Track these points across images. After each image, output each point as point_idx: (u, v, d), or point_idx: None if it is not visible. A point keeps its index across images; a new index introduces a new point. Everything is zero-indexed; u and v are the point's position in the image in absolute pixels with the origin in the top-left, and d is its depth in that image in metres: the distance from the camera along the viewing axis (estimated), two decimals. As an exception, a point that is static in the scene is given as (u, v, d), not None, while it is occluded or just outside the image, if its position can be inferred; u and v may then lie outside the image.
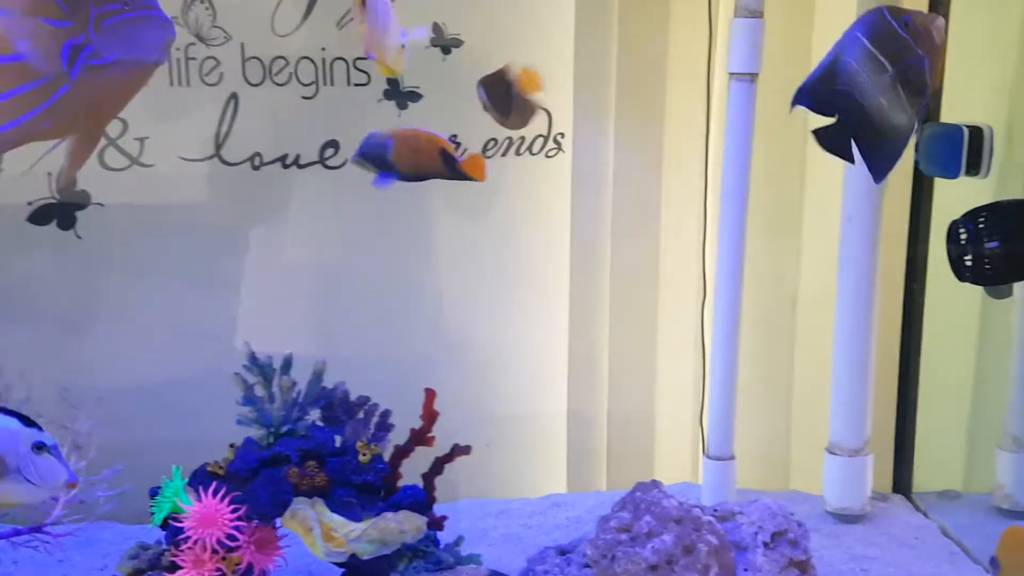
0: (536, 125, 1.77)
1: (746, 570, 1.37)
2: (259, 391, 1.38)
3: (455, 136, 1.75)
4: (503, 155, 1.78)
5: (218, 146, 1.70)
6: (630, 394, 1.87)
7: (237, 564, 1.33)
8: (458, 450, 1.44)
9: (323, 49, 1.70)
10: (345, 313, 1.80)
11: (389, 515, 1.32)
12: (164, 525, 1.34)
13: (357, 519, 1.33)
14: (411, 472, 1.43)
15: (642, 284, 1.85)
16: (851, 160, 1.17)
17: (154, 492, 1.34)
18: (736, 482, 1.71)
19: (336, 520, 1.33)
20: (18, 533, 1.35)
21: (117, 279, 1.71)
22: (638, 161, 1.82)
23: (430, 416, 1.43)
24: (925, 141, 1.63)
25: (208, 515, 1.30)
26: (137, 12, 1.12)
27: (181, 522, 1.29)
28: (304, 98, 1.71)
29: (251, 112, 1.69)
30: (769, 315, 1.84)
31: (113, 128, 1.64)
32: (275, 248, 1.77)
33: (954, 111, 1.68)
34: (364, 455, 1.38)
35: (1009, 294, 1.63)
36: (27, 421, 1.11)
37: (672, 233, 1.85)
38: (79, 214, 1.66)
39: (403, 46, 1.33)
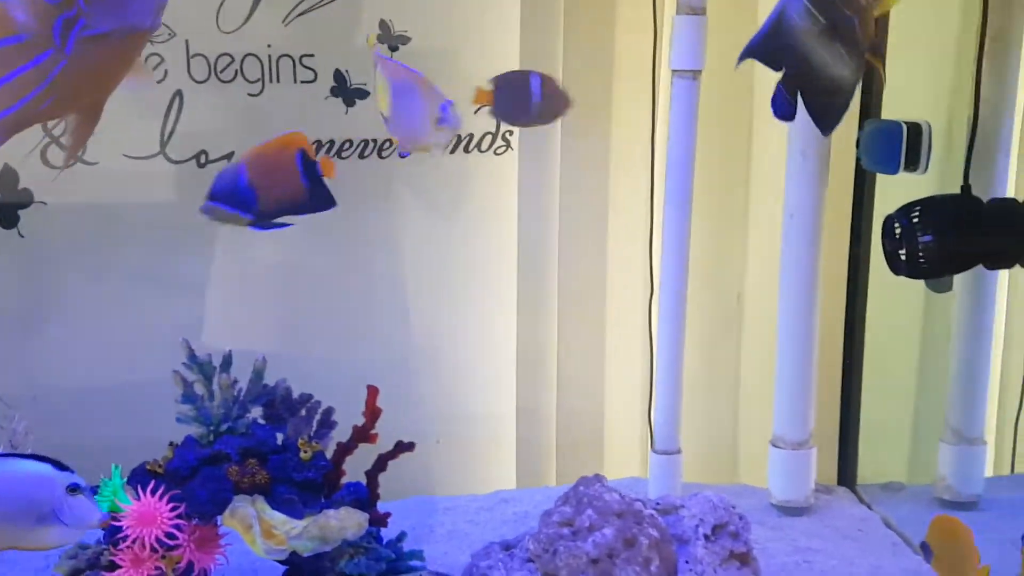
0: (484, 123, 1.78)
1: (687, 562, 1.38)
2: (199, 389, 1.38)
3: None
4: (451, 152, 1.78)
5: (163, 144, 1.69)
6: (579, 391, 1.89)
7: (177, 563, 1.33)
8: (402, 447, 1.44)
9: (269, 46, 1.69)
10: (295, 313, 1.79)
11: (330, 512, 1.32)
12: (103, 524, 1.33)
13: (299, 516, 1.33)
14: (359, 469, 1.43)
15: (590, 281, 1.86)
16: (791, 118, 1.17)
17: (93, 491, 1.33)
18: (683, 476, 1.72)
19: (277, 518, 1.32)
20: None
21: (61, 278, 1.70)
22: (585, 159, 1.83)
23: (372, 413, 1.43)
24: (866, 137, 1.65)
25: (147, 514, 1.29)
26: None
27: (120, 521, 1.29)
28: (250, 95, 1.70)
29: (196, 110, 1.69)
30: (716, 311, 1.86)
31: (57, 127, 1.62)
32: (221, 247, 1.76)
33: (895, 108, 1.70)
34: (305, 452, 1.37)
35: (949, 288, 1.66)
36: (59, 465, 1.13)
37: (620, 230, 1.86)
38: (22, 213, 1.65)
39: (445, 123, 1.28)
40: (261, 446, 1.37)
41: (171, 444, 1.36)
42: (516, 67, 1.76)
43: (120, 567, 1.31)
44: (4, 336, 1.68)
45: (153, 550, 1.31)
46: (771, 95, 1.16)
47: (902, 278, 1.56)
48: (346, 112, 1.73)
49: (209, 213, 1.25)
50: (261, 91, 1.70)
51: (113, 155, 1.68)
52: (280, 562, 1.37)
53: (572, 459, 1.88)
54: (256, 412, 1.42)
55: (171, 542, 1.31)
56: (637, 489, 1.65)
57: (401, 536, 1.41)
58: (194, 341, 1.41)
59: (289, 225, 1.28)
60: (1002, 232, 1.40)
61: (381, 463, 1.44)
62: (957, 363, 1.69)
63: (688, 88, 1.61)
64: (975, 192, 1.55)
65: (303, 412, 1.43)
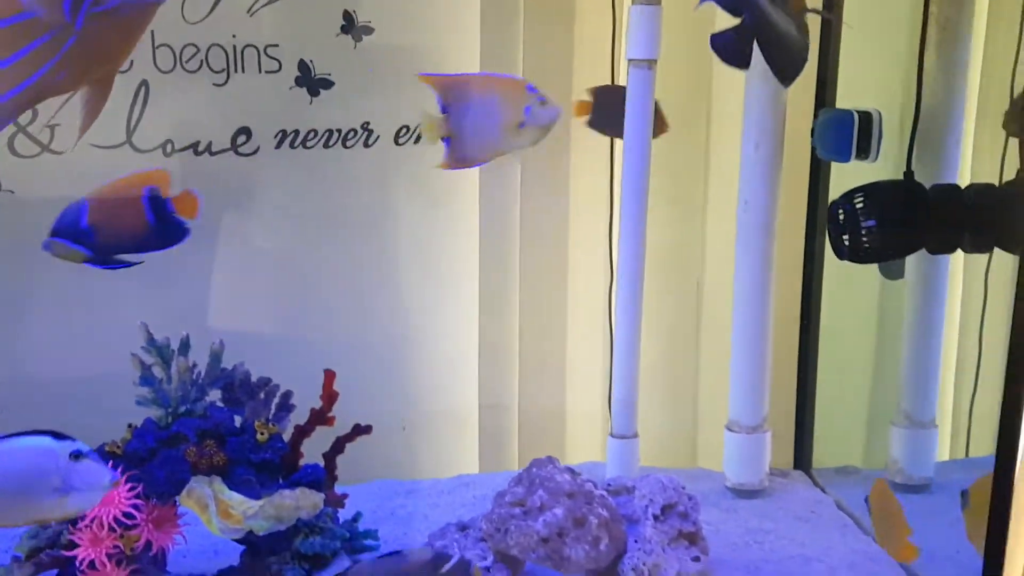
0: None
1: (636, 541, 1.41)
2: (158, 372, 1.41)
3: (367, 123, 1.77)
4: (415, 143, 1.80)
5: (129, 133, 1.71)
6: (541, 377, 1.91)
7: (135, 542, 1.36)
8: (359, 430, 1.47)
9: (234, 36, 1.71)
10: (260, 301, 1.81)
11: (286, 492, 1.35)
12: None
13: (256, 497, 1.36)
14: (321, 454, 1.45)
15: (552, 269, 1.89)
16: (746, 66, 1.19)
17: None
18: (640, 460, 1.75)
19: (235, 498, 1.35)
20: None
21: (27, 267, 1.72)
22: (546, 150, 1.85)
23: (330, 397, 1.46)
24: (819, 126, 1.68)
25: (105, 494, 1.32)
26: None
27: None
28: (215, 85, 1.72)
29: (162, 99, 1.71)
30: (676, 298, 1.89)
31: (23, 116, 1.64)
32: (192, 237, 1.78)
33: (850, 98, 1.73)
34: (262, 434, 1.40)
35: (901, 275, 1.69)
36: (57, 435, 1.14)
37: (582, 218, 1.88)
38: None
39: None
40: (219, 428, 1.40)
41: (130, 426, 1.39)
42: (476, 57, 1.78)
43: (79, 546, 1.34)
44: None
45: (111, 529, 1.34)
46: (716, 33, 1.17)
47: (858, 266, 1.59)
48: (311, 102, 1.75)
49: (49, 249, 1.28)
50: (226, 81, 1.72)
51: (80, 145, 1.69)
52: (238, 541, 1.40)
53: (534, 444, 1.91)
54: (215, 395, 1.45)
55: (129, 522, 1.34)
56: (596, 473, 1.68)
57: (356, 516, 1.44)
58: (160, 328, 1.45)
59: (135, 263, 1.30)
60: (944, 217, 1.43)
61: (339, 445, 1.47)
62: (909, 348, 1.72)
63: (644, 77, 1.63)
64: (926, 180, 1.58)
65: (261, 395, 1.46)
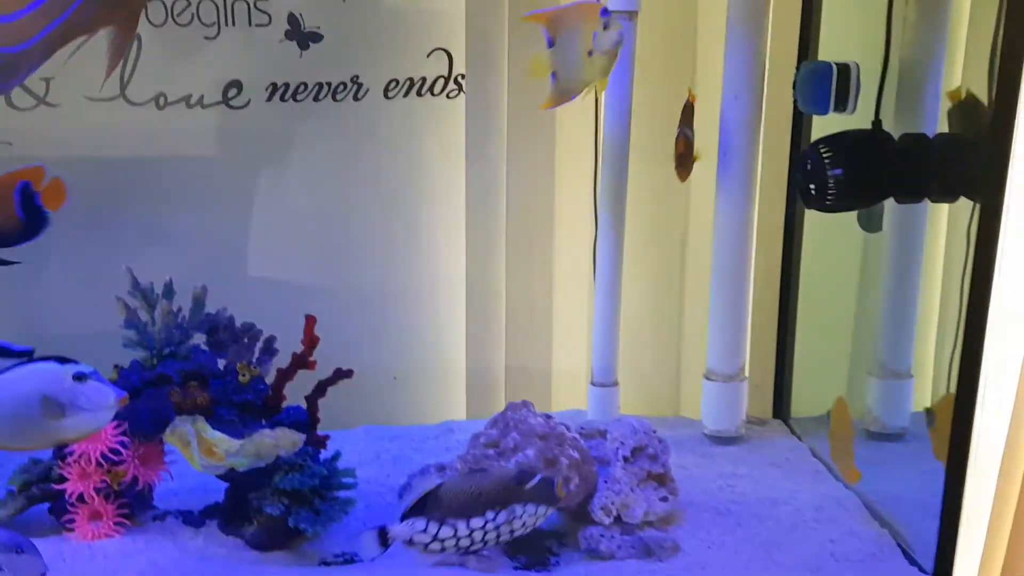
0: (437, 66, 1.82)
1: (606, 482, 1.45)
2: (143, 315, 1.45)
3: (357, 77, 1.80)
4: (404, 96, 1.83)
5: (123, 87, 1.75)
6: (527, 327, 1.94)
7: (122, 477, 1.42)
8: (340, 373, 1.51)
9: (224, -11, 1.74)
10: (256, 252, 1.85)
11: (266, 431, 1.40)
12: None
13: (239, 436, 1.41)
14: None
15: (539, 219, 1.91)
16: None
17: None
18: (619, 407, 1.79)
19: (217, 437, 1.40)
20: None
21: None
22: (532, 101, 1.87)
23: (310, 341, 1.50)
24: (800, 79, 1.69)
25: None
26: None
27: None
28: (206, 39, 1.75)
29: (154, 53, 1.74)
30: (661, 250, 1.91)
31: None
32: (181, 189, 1.82)
33: (831, 51, 1.74)
34: (243, 375, 1.45)
35: (880, 228, 1.70)
36: (61, 360, 1.19)
37: (568, 168, 1.90)
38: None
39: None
40: (202, 370, 1.45)
41: (116, 366, 1.44)
42: (461, 8, 1.80)
43: (68, 480, 1.40)
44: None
45: (99, 465, 1.40)
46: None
47: (840, 217, 1.60)
48: (300, 56, 1.78)
49: None
50: (217, 34, 1.75)
51: (74, 97, 1.73)
52: (221, 478, 1.45)
53: (520, 393, 1.94)
54: (200, 339, 1.50)
55: (116, 458, 1.40)
56: (577, 420, 1.71)
57: (336, 456, 1.48)
58: (146, 275, 1.49)
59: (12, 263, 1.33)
60: (910, 167, 1.44)
61: (321, 388, 1.51)
62: (886, 298, 1.73)
63: (625, 29, 1.64)
64: (905, 132, 1.59)
65: (245, 340, 1.51)
